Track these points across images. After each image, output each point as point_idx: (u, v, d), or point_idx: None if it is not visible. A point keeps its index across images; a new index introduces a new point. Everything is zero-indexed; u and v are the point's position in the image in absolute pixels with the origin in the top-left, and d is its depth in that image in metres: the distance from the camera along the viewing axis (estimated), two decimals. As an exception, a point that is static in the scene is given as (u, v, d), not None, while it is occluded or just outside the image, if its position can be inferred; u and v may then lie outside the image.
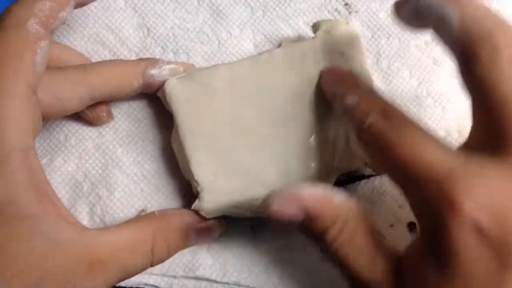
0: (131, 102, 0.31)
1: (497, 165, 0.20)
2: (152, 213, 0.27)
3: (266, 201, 0.22)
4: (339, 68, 0.28)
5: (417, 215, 0.22)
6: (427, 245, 0.21)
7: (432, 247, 0.20)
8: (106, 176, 0.30)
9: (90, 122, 0.30)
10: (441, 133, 0.31)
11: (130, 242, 0.25)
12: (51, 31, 0.25)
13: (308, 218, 0.22)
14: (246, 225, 0.29)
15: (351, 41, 0.29)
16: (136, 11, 0.32)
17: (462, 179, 0.20)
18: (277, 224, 0.23)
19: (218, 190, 0.27)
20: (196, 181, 0.27)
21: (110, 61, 0.28)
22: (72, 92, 0.26)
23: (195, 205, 0.27)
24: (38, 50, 0.24)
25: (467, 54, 0.21)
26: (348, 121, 0.25)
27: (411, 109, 0.31)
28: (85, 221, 0.29)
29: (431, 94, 0.32)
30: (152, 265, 0.26)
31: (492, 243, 0.19)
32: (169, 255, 0.26)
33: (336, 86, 0.27)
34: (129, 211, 0.29)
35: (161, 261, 0.26)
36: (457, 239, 0.19)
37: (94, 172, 0.30)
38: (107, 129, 0.30)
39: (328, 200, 0.22)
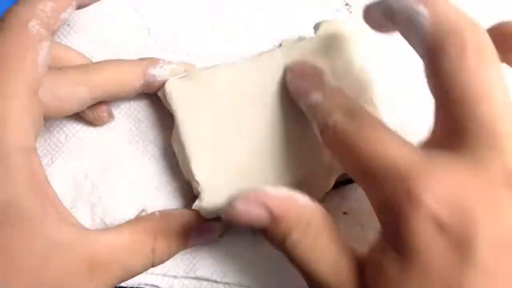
0: (131, 102, 0.31)
1: (456, 159, 0.20)
2: (153, 213, 0.27)
3: (230, 202, 0.21)
4: (303, 64, 0.28)
5: (378, 212, 0.22)
6: (388, 240, 0.21)
7: (392, 241, 0.20)
8: (106, 176, 0.30)
9: (90, 122, 0.30)
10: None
11: (130, 243, 0.25)
12: (52, 32, 0.25)
13: (273, 219, 0.21)
14: (246, 225, 0.29)
15: (352, 41, 0.29)
16: (136, 11, 0.32)
17: (422, 174, 0.20)
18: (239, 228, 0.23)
19: (219, 190, 0.27)
20: (197, 181, 0.27)
21: (111, 61, 0.28)
22: (73, 92, 0.26)
23: (196, 205, 0.27)
24: (40, 51, 0.24)
25: (435, 50, 0.21)
26: (312, 120, 0.25)
27: (411, 109, 0.31)
28: (85, 221, 0.29)
29: (431, 97, 0.32)
30: (153, 266, 0.26)
31: (451, 236, 0.19)
32: (170, 255, 0.26)
33: (300, 83, 0.27)
34: (130, 211, 0.29)
35: (162, 261, 0.26)
36: (416, 231, 0.19)
37: (94, 172, 0.30)
38: (108, 129, 0.30)
39: (293, 201, 0.22)
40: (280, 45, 0.31)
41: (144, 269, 0.25)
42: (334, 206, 0.29)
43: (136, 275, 0.25)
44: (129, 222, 0.26)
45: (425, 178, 0.20)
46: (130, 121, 0.31)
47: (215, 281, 0.29)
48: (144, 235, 0.25)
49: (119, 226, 0.26)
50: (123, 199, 0.29)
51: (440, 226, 0.19)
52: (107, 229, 0.25)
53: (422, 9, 0.22)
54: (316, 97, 0.25)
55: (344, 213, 0.29)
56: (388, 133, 0.22)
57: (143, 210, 0.29)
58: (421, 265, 0.19)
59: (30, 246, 0.22)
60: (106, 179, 0.30)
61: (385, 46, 0.32)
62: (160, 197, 0.30)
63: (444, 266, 0.19)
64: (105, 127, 0.30)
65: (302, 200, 0.22)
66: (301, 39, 0.31)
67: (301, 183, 0.28)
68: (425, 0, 0.22)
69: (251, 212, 0.21)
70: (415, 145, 0.22)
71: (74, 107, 0.27)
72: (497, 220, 0.19)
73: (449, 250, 0.19)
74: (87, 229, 0.25)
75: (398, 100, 0.31)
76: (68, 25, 0.31)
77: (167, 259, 0.26)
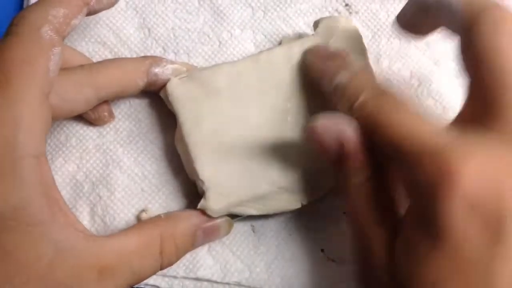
0: (131, 102, 0.31)
1: (492, 135, 0.20)
2: (159, 216, 0.27)
3: (311, 123, 0.23)
4: (324, 47, 0.28)
5: (409, 190, 0.22)
6: (420, 218, 0.21)
7: (424, 220, 0.20)
8: (106, 176, 0.30)
9: (91, 122, 0.30)
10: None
11: (138, 247, 0.25)
12: (63, 38, 0.25)
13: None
14: (246, 225, 0.29)
15: (352, 37, 0.29)
16: (137, 12, 0.32)
17: (457, 151, 0.20)
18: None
19: (224, 189, 0.27)
20: (201, 181, 0.27)
21: (114, 60, 0.28)
22: (79, 93, 0.26)
23: (201, 204, 0.27)
24: (52, 57, 0.24)
25: (469, 28, 0.22)
26: (339, 100, 0.25)
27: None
28: (85, 221, 0.29)
29: (432, 94, 0.32)
30: (161, 268, 0.26)
31: (484, 217, 0.19)
32: (178, 257, 0.26)
33: (324, 63, 0.27)
34: (130, 211, 0.29)
35: (171, 263, 0.26)
36: (449, 211, 0.19)
37: (94, 172, 0.30)
38: (108, 129, 0.30)
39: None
40: (280, 42, 0.32)
41: (154, 272, 0.25)
42: (334, 206, 0.29)
43: (146, 278, 0.25)
44: (136, 226, 0.26)
45: (460, 155, 0.20)
46: (130, 121, 0.30)
47: (215, 282, 0.29)
48: (151, 238, 0.25)
49: (126, 230, 0.26)
50: (123, 199, 0.29)
51: (473, 207, 0.19)
52: (114, 234, 0.25)
53: None
54: (343, 77, 0.25)
55: (344, 213, 0.29)
56: (417, 112, 0.22)
57: (143, 210, 0.29)
58: (453, 246, 0.19)
59: (38, 251, 0.22)
60: (106, 179, 0.30)
61: (385, 46, 0.32)
62: (160, 197, 0.30)
63: (475, 248, 0.19)
64: (105, 127, 0.30)
65: None
66: (301, 36, 0.31)
67: (303, 180, 0.28)
68: None
69: (327, 140, 0.23)
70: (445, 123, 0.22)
71: (81, 108, 0.27)
72: None
73: (481, 232, 0.19)
74: (94, 235, 0.24)
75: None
76: (69, 25, 0.31)
77: (176, 261, 0.26)
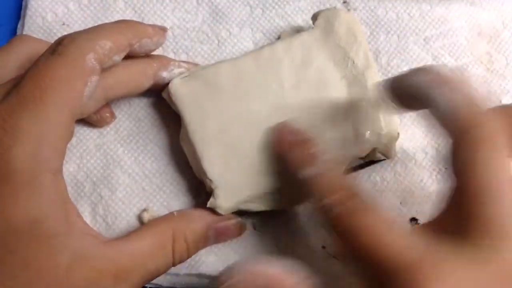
0: (131, 102, 0.31)
1: (460, 253, 0.20)
2: (171, 213, 0.27)
3: (220, 278, 0.21)
4: (291, 127, 0.27)
5: None
6: None
7: None
8: (107, 175, 0.30)
9: (93, 124, 0.30)
10: (440, 130, 0.31)
11: (152, 248, 0.25)
12: (102, 69, 0.25)
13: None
14: (248, 222, 0.29)
15: (352, 29, 0.29)
16: (135, 12, 0.32)
17: (425, 270, 0.19)
18: None
19: (232, 186, 0.27)
20: (210, 179, 0.27)
21: (122, 62, 0.27)
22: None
23: (210, 202, 0.27)
24: (89, 83, 0.24)
25: (454, 136, 0.21)
26: (307, 191, 0.24)
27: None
28: (87, 221, 0.29)
29: (431, 90, 0.32)
30: (173, 265, 0.26)
31: None
32: (189, 255, 0.27)
33: (291, 151, 0.26)
34: (131, 211, 0.29)
35: (182, 261, 0.26)
36: None
37: (95, 172, 0.30)
38: (108, 129, 0.30)
39: (280, 283, 0.21)
40: (279, 37, 0.32)
41: (166, 270, 0.26)
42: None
43: (158, 276, 0.26)
44: (148, 226, 0.27)
45: (434, 274, 0.19)
46: (131, 121, 0.31)
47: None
48: (164, 237, 0.26)
49: (139, 232, 0.26)
50: (125, 199, 0.29)
51: None
52: (127, 236, 0.26)
53: (439, 93, 0.22)
54: (310, 170, 0.24)
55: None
56: (388, 219, 0.21)
57: (144, 210, 0.29)
58: None
59: (57, 260, 0.23)
60: (107, 178, 0.30)
61: (384, 42, 0.32)
62: (161, 196, 0.30)
63: None
64: (106, 127, 0.30)
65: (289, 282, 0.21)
66: (300, 31, 0.31)
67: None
68: (449, 83, 0.22)
69: None
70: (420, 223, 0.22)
71: (91, 110, 0.28)
72: None
73: None
74: (108, 239, 0.25)
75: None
76: (68, 25, 0.32)
77: (187, 258, 0.27)
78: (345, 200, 0.22)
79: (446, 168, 0.21)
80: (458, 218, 0.21)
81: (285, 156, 0.26)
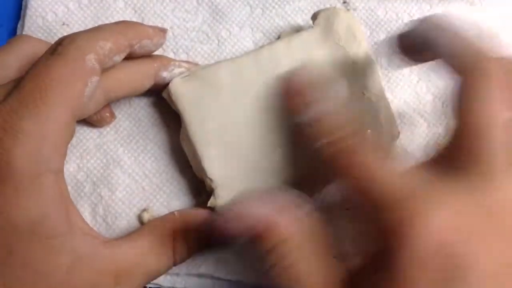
0: (131, 102, 0.31)
1: (459, 184, 0.21)
2: (172, 213, 0.27)
3: (212, 218, 0.22)
4: (299, 74, 0.27)
5: (364, 235, 0.22)
6: (372, 268, 0.21)
7: (376, 270, 0.20)
8: (107, 175, 0.30)
9: (93, 124, 0.30)
10: (440, 129, 0.31)
11: (152, 248, 0.25)
12: (102, 70, 0.25)
13: (253, 237, 0.22)
14: (248, 222, 0.29)
15: (352, 28, 0.29)
16: (135, 12, 0.32)
17: (426, 198, 0.20)
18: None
19: (232, 185, 0.27)
20: (210, 179, 0.27)
21: (122, 62, 0.27)
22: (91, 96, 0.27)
23: (211, 202, 0.27)
24: (89, 84, 0.24)
25: (462, 74, 0.22)
26: (311, 132, 0.25)
27: (411, 106, 0.32)
28: (87, 221, 0.29)
29: (431, 90, 0.32)
30: (174, 265, 0.26)
31: (438, 275, 0.19)
32: (189, 254, 0.27)
33: (291, 100, 0.26)
34: (131, 211, 0.29)
35: (183, 260, 0.26)
36: (403, 265, 0.19)
37: (95, 172, 0.30)
38: (108, 128, 0.30)
39: (274, 221, 0.22)
40: (279, 37, 0.32)
41: (167, 269, 0.26)
42: (335, 202, 0.29)
43: (159, 276, 0.26)
44: (149, 226, 0.27)
45: (424, 205, 0.20)
46: (130, 121, 0.31)
47: (218, 278, 0.29)
48: (164, 237, 0.26)
49: (140, 231, 0.26)
50: (125, 199, 0.29)
51: (426, 263, 0.19)
52: (128, 236, 0.26)
53: (441, 38, 0.23)
54: (319, 110, 0.25)
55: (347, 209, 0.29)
56: (384, 158, 0.22)
57: (144, 210, 0.29)
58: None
59: (57, 261, 0.23)
60: (107, 178, 0.30)
61: (379, 43, 0.32)
62: (161, 195, 0.30)
63: None
64: (106, 126, 0.30)
65: (285, 219, 0.22)
66: (300, 30, 0.31)
67: (308, 175, 0.28)
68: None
69: (232, 230, 0.22)
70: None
71: (91, 110, 0.28)
72: (485, 256, 0.19)
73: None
74: (109, 240, 0.25)
75: (397, 96, 0.32)
76: (67, 25, 0.32)
77: (188, 258, 0.27)
78: (353, 136, 0.23)
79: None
80: (452, 153, 0.22)
81: (287, 102, 0.26)
